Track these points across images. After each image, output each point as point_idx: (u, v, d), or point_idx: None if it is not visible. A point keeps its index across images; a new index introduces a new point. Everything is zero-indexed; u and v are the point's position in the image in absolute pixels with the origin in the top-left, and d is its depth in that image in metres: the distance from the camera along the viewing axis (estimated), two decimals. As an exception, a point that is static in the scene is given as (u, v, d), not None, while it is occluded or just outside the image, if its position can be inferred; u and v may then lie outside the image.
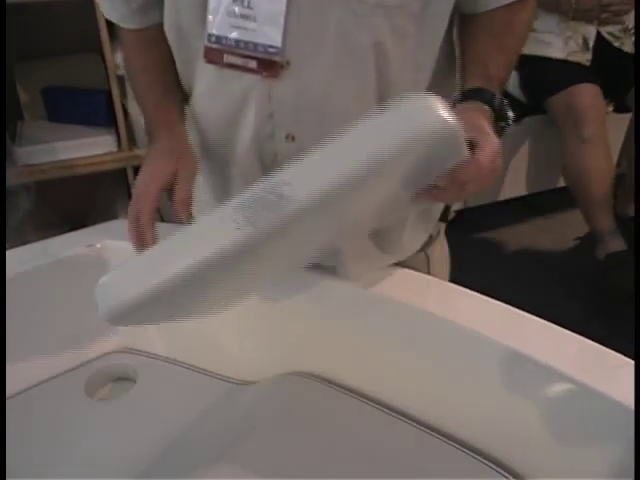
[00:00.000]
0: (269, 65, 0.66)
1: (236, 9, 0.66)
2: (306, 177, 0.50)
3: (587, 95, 1.86)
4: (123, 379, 0.90)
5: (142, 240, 0.72)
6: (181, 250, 0.55)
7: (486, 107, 0.66)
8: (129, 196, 2.00)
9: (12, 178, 1.62)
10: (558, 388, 0.65)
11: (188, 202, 0.74)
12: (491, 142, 0.60)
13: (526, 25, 0.76)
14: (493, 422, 0.72)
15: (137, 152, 1.78)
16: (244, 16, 0.66)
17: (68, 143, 1.75)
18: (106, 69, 1.67)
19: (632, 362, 0.62)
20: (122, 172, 1.81)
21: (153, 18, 0.76)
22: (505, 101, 0.68)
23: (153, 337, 0.92)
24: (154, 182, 0.74)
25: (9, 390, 0.84)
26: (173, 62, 0.77)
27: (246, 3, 0.65)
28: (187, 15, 0.70)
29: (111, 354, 0.92)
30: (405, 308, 0.76)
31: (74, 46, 1.78)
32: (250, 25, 0.66)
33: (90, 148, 1.77)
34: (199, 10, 0.68)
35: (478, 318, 0.72)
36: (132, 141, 1.79)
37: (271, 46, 0.65)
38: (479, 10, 0.72)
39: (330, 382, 0.83)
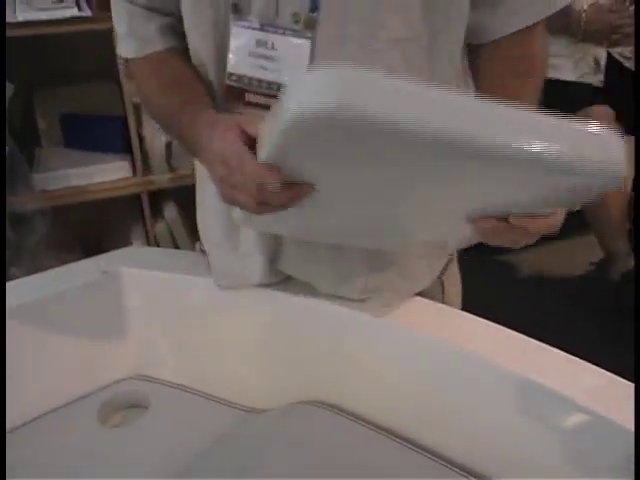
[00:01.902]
0: None
1: (260, 50, 0.67)
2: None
3: (601, 118, 1.86)
4: (135, 406, 0.90)
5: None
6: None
7: None
8: (144, 222, 2.01)
9: (28, 203, 1.64)
10: (572, 418, 0.64)
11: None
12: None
13: (544, 60, 0.77)
14: (507, 452, 0.71)
15: (152, 178, 1.80)
16: (267, 57, 0.67)
17: (84, 169, 1.78)
18: (122, 96, 1.70)
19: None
20: (137, 198, 1.82)
21: (172, 41, 0.76)
22: None
23: (165, 364, 0.92)
24: (227, 137, 0.60)
25: (22, 417, 0.85)
26: (187, 77, 0.74)
27: (270, 44, 0.67)
28: (205, 56, 0.71)
29: (123, 381, 0.92)
30: (420, 337, 0.76)
31: (91, 74, 1.82)
32: (273, 65, 0.67)
33: (105, 174, 1.79)
34: (216, 52, 0.69)
35: (493, 348, 0.72)
36: (147, 167, 1.81)
37: None
38: (497, 36, 0.72)
39: (342, 410, 0.82)
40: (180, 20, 0.73)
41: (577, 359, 0.68)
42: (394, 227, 0.69)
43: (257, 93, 0.68)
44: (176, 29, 0.76)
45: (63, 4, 1.57)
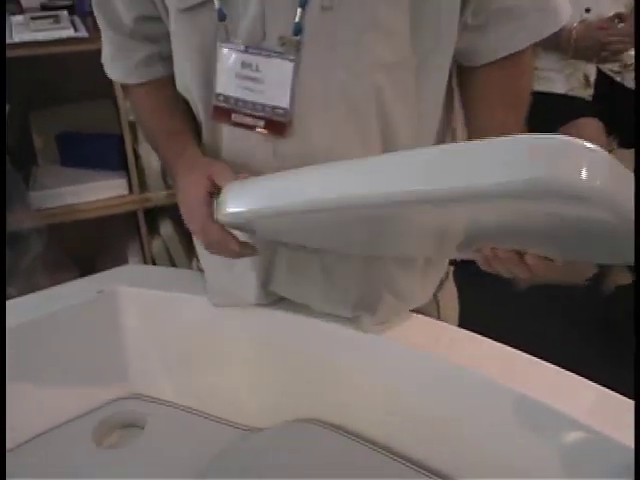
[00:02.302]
0: (275, 124, 0.68)
1: (245, 71, 0.68)
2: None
3: (589, 129, 1.86)
4: (131, 426, 0.90)
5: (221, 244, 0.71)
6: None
7: None
8: (140, 239, 2.01)
9: (24, 222, 1.64)
10: (567, 433, 0.64)
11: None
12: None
13: (529, 92, 0.78)
14: (507, 470, 0.71)
15: (148, 195, 1.80)
16: (252, 78, 0.68)
17: (80, 187, 1.78)
18: (118, 114, 1.71)
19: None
20: (133, 215, 1.82)
21: (157, 71, 0.79)
22: None
23: (162, 383, 0.92)
24: (198, 190, 0.70)
25: (18, 438, 0.84)
26: (180, 102, 0.78)
27: (255, 66, 0.67)
28: (192, 77, 0.72)
29: (119, 400, 0.92)
30: (416, 355, 0.76)
31: (87, 93, 1.82)
32: (258, 87, 0.68)
33: (101, 192, 1.79)
34: (204, 74, 0.70)
35: (489, 364, 0.72)
36: (143, 184, 1.81)
37: (279, 107, 0.67)
38: (486, 60, 0.73)
39: (339, 428, 0.82)
40: (168, 43, 0.74)
41: (571, 374, 0.68)
42: (389, 244, 0.70)
43: (243, 113, 0.69)
44: (163, 56, 0.77)
45: (59, 25, 1.58)
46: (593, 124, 1.87)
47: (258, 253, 0.72)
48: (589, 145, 0.42)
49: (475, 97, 0.76)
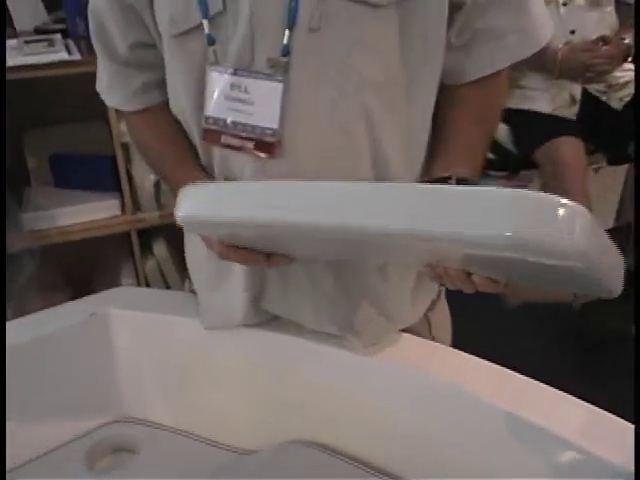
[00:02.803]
0: (265, 145, 0.68)
1: (233, 93, 0.69)
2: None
3: (569, 148, 1.89)
4: (123, 450, 0.89)
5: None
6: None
7: None
8: (133, 259, 2.00)
9: (17, 244, 1.64)
10: (561, 454, 0.64)
11: None
12: None
13: (501, 111, 0.79)
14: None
15: (141, 216, 1.81)
16: (241, 100, 0.69)
17: (73, 208, 1.78)
18: (111, 135, 1.71)
19: (630, 426, 0.61)
20: (126, 236, 1.82)
21: (154, 98, 0.80)
22: None
23: (154, 406, 0.91)
24: None
25: (10, 463, 0.84)
26: (179, 127, 0.79)
27: (243, 88, 0.68)
28: (185, 101, 0.73)
29: (112, 424, 0.91)
30: (408, 374, 0.76)
31: (81, 115, 1.83)
32: (247, 108, 0.69)
33: (95, 212, 1.79)
34: (196, 97, 0.71)
35: (480, 384, 0.72)
36: (136, 205, 1.81)
37: (268, 128, 0.68)
38: (467, 79, 0.74)
39: (333, 450, 0.82)
40: (163, 69, 0.75)
41: (562, 393, 0.68)
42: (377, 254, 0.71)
43: (233, 135, 0.70)
44: (159, 82, 0.78)
45: (53, 48, 1.60)
46: (572, 142, 1.90)
47: (290, 259, 0.72)
48: (565, 202, 0.45)
49: (447, 112, 0.76)
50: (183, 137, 0.78)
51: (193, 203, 0.65)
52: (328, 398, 0.82)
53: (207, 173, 0.76)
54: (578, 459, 0.62)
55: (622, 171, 2.24)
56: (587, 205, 1.78)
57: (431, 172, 0.73)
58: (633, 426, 0.61)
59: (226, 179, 0.74)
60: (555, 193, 1.54)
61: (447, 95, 0.75)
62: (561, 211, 0.44)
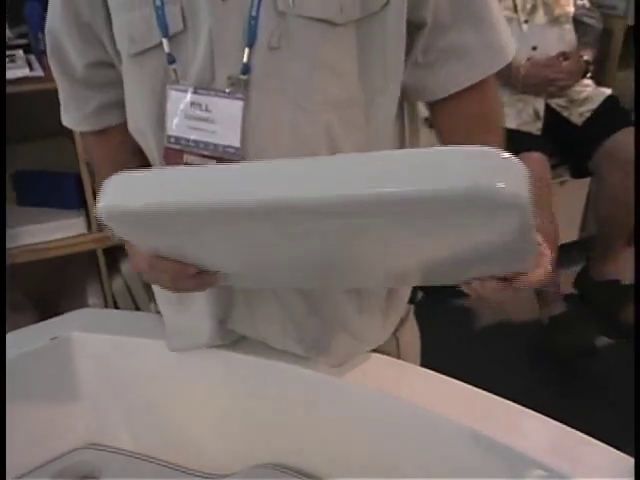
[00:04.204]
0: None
1: (195, 112, 0.68)
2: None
3: (535, 163, 1.93)
4: (88, 477, 0.87)
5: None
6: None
7: None
8: (100, 278, 1.97)
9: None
10: (528, 473, 0.64)
11: None
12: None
13: (501, 116, 0.79)
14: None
15: (107, 233, 1.78)
16: (203, 119, 0.68)
17: (38, 227, 1.74)
18: (76, 153, 1.69)
19: (596, 442, 0.62)
20: (93, 254, 1.79)
21: (108, 120, 0.79)
22: None
23: (118, 431, 0.89)
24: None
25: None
26: (133, 150, 0.78)
27: (204, 106, 0.68)
28: (145, 121, 0.72)
29: (75, 451, 0.89)
30: (376, 396, 0.75)
31: (45, 131, 1.80)
32: (209, 127, 0.68)
33: (60, 231, 1.76)
34: (157, 117, 0.70)
35: (448, 403, 0.72)
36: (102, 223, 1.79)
37: (230, 146, 0.67)
38: (436, 97, 0.74)
39: (303, 473, 0.81)
40: (121, 89, 0.74)
41: (528, 410, 0.68)
42: (342, 270, 0.68)
43: (195, 154, 0.69)
44: (116, 103, 0.77)
45: (15, 64, 1.57)
46: (538, 158, 1.95)
47: (219, 279, 0.67)
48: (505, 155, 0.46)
49: (447, 130, 0.77)
50: (133, 161, 0.77)
51: (120, 191, 0.54)
52: (297, 419, 0.81)
53: None
54: (546, 478, 0.62)
55: (585, 184, 2.29)
56: (552, 218, 1.81)
57: None
58: (601, 444, 0.62)
59: None
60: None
61: (442, 114, 0.76)
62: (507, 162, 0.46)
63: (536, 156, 1.93)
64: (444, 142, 0.77)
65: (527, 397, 0.71)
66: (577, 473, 0.60)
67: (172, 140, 0.69)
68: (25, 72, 1.54)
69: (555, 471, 0.61)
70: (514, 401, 0.70)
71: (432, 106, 0.77)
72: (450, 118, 0.76)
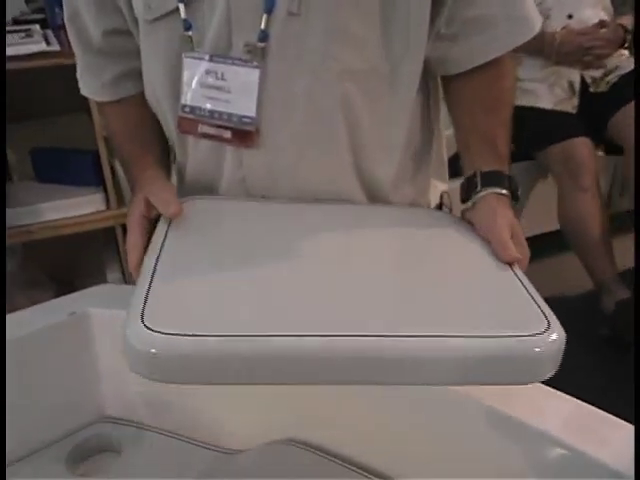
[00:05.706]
0: (242, 134, 0.66)
1: (210, 81, 0.66)
2: None
3: (582, 148, 1.89)
4: (107, 451, 0.87)
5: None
6: None
7: (505, 192, 0.68)
8: (119, 254, 1.98)
9: (-1, 240, 1.61)
10: (554, 454, 0.63)
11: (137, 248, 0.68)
12: (526, 255, 0.65)
13: (513, 93, 0.78)
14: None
15: (125, 210, 1.77)
16: (218, 87, 0.66)
17: (56, 203, 1.75)
18: (94, 129, 1.68)
19: (630, 426, 0.59)
20: (111, 231, 1.80)
21: (126, 90, 0.78)
22: (515, 181, 0.70)
23: (138, 406, 0.89)
24: (133, 210, 0.69)
25: (-13, 468, 0.81)
26: (151, 122, 0.77)
27: (220, 75, 0.66)
28: (161, 90, 0.71)
29: (93, 425, 0.89)
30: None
31: (62, 107, 1.80)
32: (224, 96, 0.66)
33: (78, 208, 1.77)
34: (172, 86, 0.69)
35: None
36: (120, 199, 1.79)
37: (245, 116, 0.66)
38: (460, 69, 0.73)
39: (324, 450, 0.80)
40: (138, 59, 0.73)
41: (549, 388, 0.67)
42: None
43: (210, 124, 0.68)
44: (133, 73, 0.76)
45: (32, 39, 1.56)
46: (585, 143, 1.91)
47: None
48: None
49: (457, 103, 0.76)
50: (150, 132, 0.76)
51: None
52: (320, 397, 0.80)
53: (164, 171, 0.74)
54: (565, 456, 0.60)
55: (617, 160, 2.24)
56: (602, 199, 1.78)
57: (462, 171, 0.73)
58: (627, 424, 0.60)
59: (201, 173, 0.72)
60: (571, 191, 1.57)
61: (453, 88, 0.75)
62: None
63: (581, 142, 1.89)
64: (455, 117, 0.76)
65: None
66: (598, 452, 0.58)
67: (187, 110, 0.68)
68: (42, 47, 1.53)
69: (575, 449, 0.59)
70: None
71: (447, 79, 0.76)
72: (462, 93, 0.75)
